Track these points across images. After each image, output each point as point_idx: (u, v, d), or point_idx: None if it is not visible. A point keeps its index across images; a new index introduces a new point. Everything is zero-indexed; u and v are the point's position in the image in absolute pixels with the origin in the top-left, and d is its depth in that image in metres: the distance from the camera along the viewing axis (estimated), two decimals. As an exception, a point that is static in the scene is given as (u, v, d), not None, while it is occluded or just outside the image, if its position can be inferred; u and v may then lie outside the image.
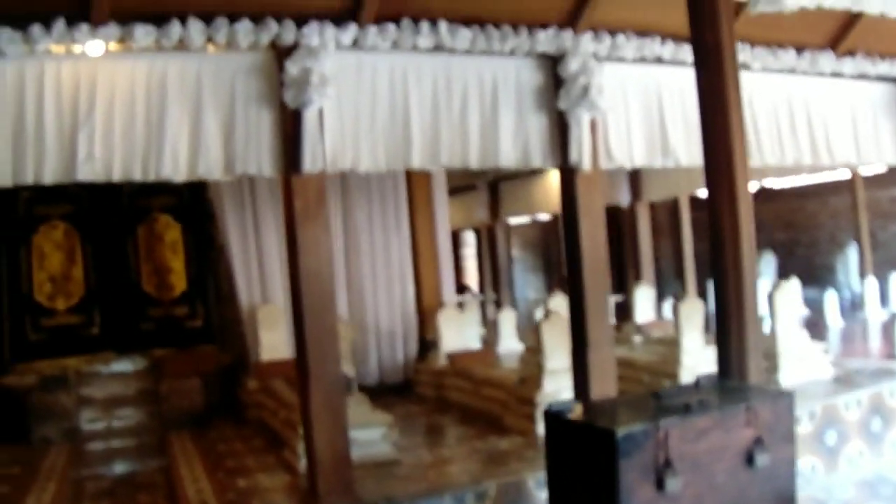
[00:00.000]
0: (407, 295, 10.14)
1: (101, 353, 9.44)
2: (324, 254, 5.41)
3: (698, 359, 8.02)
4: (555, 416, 4.13)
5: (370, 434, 6.49)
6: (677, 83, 6.64)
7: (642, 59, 6.54)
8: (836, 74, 7.57)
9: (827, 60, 7.38)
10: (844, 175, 13.95)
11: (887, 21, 6.33)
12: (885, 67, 7.75)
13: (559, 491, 4.17)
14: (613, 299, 10.33)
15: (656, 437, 3.73)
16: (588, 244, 6.27)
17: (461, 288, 26.15)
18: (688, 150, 6.66)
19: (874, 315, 13.42)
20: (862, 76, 7.76)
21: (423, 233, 9.96)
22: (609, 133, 6.43)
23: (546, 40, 6.05)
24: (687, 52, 6.16)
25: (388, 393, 9.27)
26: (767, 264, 16.88)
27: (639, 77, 6.59)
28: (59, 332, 9.83)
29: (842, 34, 7.33)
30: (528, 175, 13.66)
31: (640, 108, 6.59)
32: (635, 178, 12.15)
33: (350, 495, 5.45)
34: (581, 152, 6.13)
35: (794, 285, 8.68)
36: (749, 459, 3.98)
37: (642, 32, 6.47)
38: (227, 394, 9.08)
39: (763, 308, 13.93)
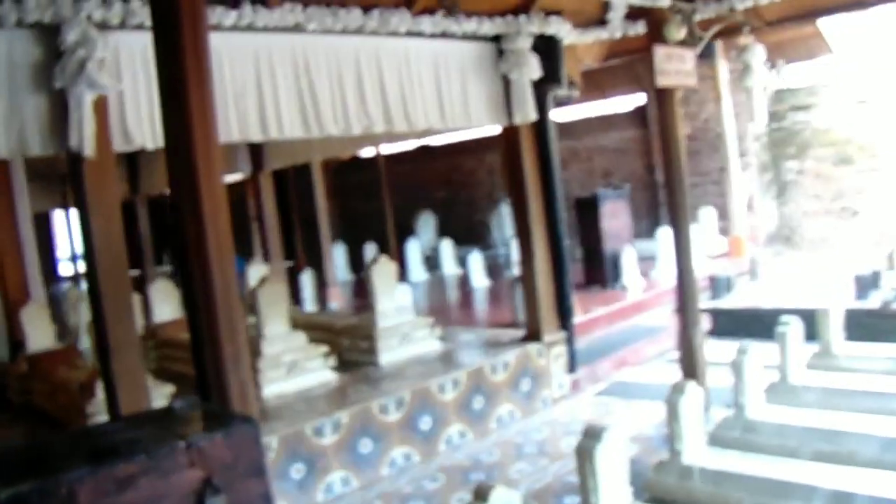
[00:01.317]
0: None
1: None
2: None
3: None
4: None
5: None
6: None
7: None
8: (414, 34, 6.95)
9: (401, 19, 6.72)
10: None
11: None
12: (471, 26, 7.23)
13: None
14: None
15: (58, 496, 2.78)
16: (102, 243, 5.34)
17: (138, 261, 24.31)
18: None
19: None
20: (446, 36, 7.20)
21: (1, 222, 8.43)
22: (127, 112, 5.48)
23: (39, 7, 4.99)
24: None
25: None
26: (426, 224, 16.73)
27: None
28: None
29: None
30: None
31: None
32: (257, 147, 11.17)
33: None
34: (82, 136, 5.07)
35: (391, 263, 8.21)
36: (199, 505, 3.16)
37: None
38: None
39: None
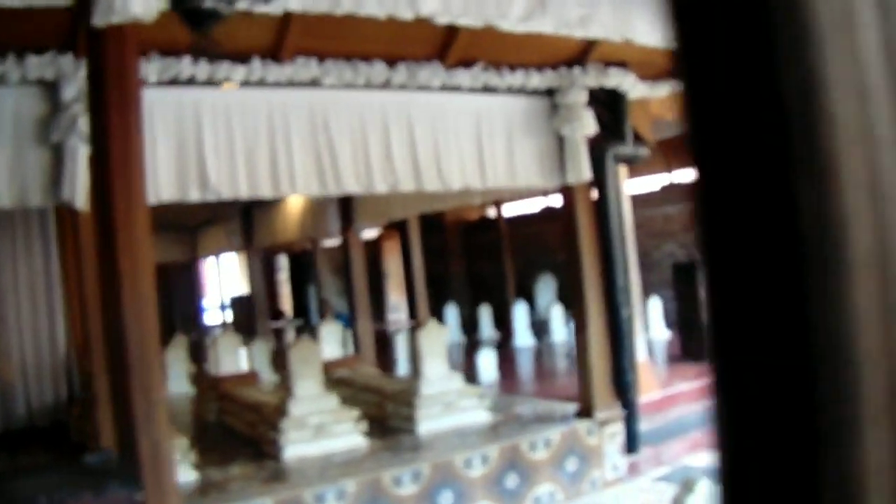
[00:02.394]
0: (56, 335, 9.33)
1: None
2: None
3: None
4: None
5: None
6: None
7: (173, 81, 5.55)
8: (450, 88, 6.64)
9: (432, 73, 6.42)
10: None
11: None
12: (518, 79, 6.84)
13: None
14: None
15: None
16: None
17: (276, 314, 25.16)
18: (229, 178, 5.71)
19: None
20: (489, 90, 6.85)
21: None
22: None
23: (42, 65, 5.06)
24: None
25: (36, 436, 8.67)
26: (546, 287, 16.17)
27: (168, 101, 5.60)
28: None
29: (449, 42, 6.37)
30: (276, 202, 12.69)
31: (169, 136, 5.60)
32: (347, 205, 11.11)
33: None
34: (74, 189, 5.05)
35: (441, 327, 7.83)
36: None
37: (166, 52, 5.44)
38: None
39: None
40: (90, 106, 4.07)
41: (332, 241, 22.75)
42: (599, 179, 7.21)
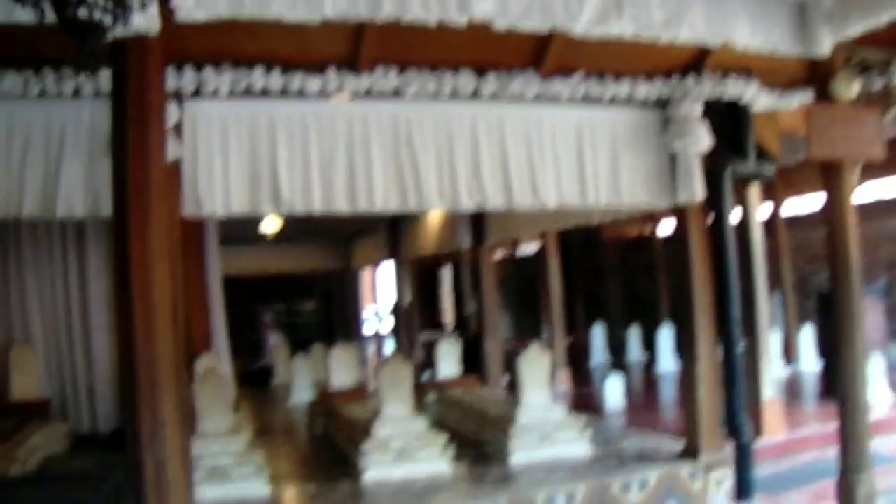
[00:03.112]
0: None
1: None
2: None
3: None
4: None
5: None
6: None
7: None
8: (548, 99, 6.22)
9: (526, 82, 6.02)
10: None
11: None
12: (623, 89, 6.33)
13: None
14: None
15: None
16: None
17: (437, 325, 25.31)
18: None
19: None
20: (591, 101, 6.37)
21: (193, 282, 8.92)
22: (199, 178, 5.45)
23: None
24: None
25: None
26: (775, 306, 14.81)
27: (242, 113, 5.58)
28: None
29: (544, 48, 5.93)
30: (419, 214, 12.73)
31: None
32: (479, 220, 10.83)
33: None
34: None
35: (543, 353, 7.38)
36: None
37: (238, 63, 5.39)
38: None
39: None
40: (112, 118, 4.01)
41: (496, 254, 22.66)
42: (715, 199, 6.57)
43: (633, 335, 15.23)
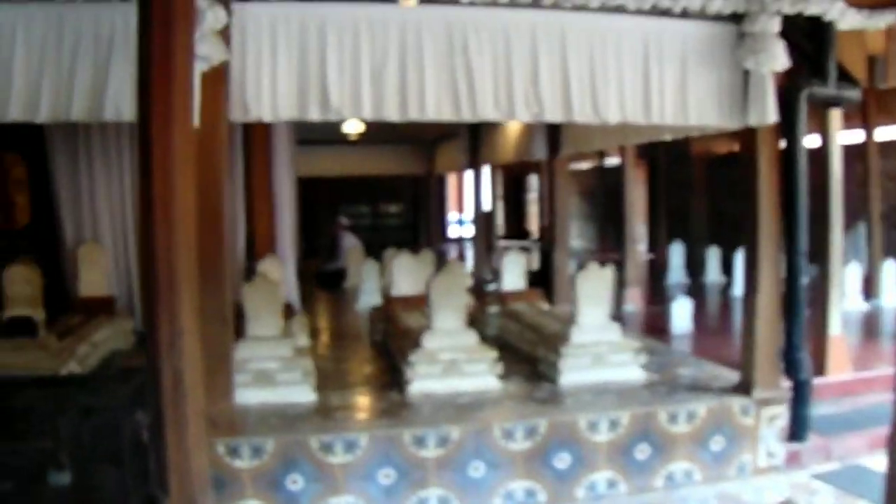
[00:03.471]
0: (237, 243, 9.41)
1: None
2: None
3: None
4: None
5: None
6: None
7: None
8: (612, 9, 5.89)
9: (591, -10, 5.71)
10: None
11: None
12: (696, 1, 5.95)
13: None
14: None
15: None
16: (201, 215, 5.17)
17: (523, 233, 25.19)
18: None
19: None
20: (663, 13, 6.01)
21: (259, 184, 8.97)
22: (247, 83, 5.42)
23: None
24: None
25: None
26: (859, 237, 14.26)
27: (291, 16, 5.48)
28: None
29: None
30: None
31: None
32: (554, 130, 10.51)
33: None
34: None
35: (604, 271, 7.17)
36: None
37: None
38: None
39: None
40: (138, 19, 3.93)
41: (581, 164, 22.20)
42: (789, 123, 6.18)
43: (713, 255, 14.78)
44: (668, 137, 7.86)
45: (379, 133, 16.43)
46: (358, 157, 17.81)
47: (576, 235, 24.09)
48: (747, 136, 6.35)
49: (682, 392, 6.57)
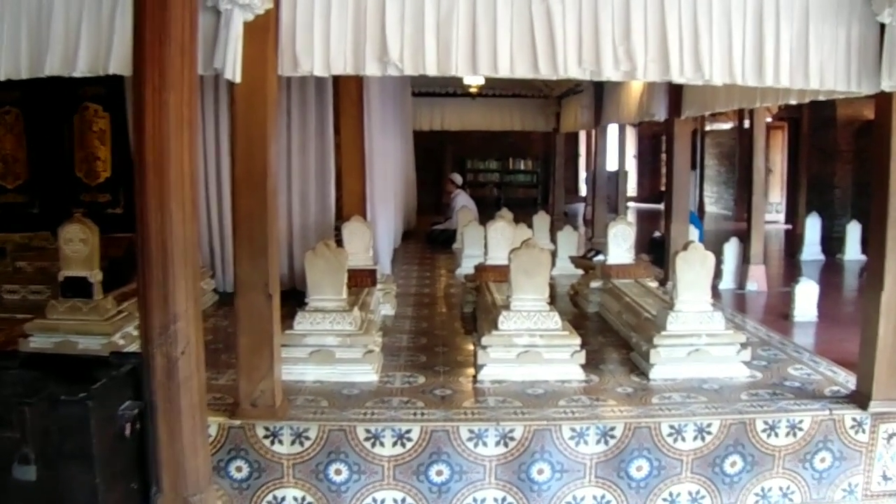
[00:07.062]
0: (326, 202, 9.30)
1: (40, 231, 9.99)
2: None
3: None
4: None
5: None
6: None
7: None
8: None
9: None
10: None
11: None
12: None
13: None
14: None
15: None
16: (242, 171, 4.83)
17: (658, 195, 24.07)
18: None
19: None
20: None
21: (349, 141, 8.53)
22: (297, 35, 4.91)
23: None
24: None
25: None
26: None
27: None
28: (5, 209, 10.45)
29: None
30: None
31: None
32: (677, 90, 9.56)
33: None
34: (225, 59, 4.55)
35: (707, 253, 6.38)
36: None
37: None
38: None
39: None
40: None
41: (723, 125, 20.83)
42: (932, 88, 5.17)
43: (853, 231, 13.41)
44: (792, 101, 6.87)
45: (503, 87, 15.71)
46: (481, 112, 17.07)
47: (712, 201, 22.77)
48: (882, 103, 5.38)
49: (787, 397, 5.75)
